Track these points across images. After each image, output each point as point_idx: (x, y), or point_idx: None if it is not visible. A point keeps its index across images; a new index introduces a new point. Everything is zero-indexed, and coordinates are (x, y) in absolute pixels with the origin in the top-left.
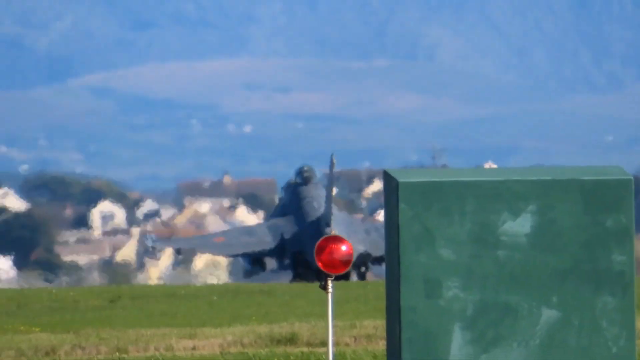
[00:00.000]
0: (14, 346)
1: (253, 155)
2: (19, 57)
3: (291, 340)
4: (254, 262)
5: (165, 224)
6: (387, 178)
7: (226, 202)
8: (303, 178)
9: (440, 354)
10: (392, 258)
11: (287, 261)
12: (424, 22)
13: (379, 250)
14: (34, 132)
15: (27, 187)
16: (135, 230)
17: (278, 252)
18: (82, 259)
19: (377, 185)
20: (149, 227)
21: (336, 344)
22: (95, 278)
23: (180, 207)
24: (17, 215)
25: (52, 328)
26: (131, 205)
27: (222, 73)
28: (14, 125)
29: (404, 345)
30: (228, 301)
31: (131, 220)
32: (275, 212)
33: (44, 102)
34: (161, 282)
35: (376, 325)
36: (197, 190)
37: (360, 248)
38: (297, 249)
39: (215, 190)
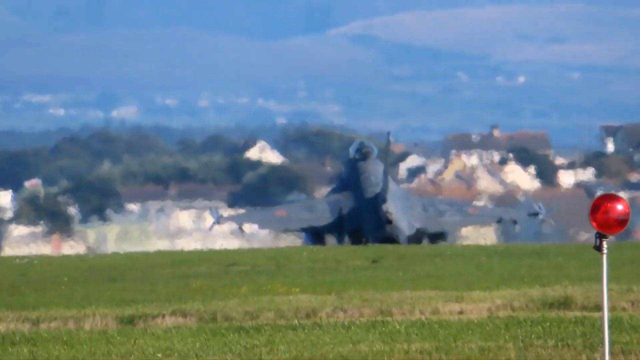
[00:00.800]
0: (273, 307)
1: (525, 108)
2: (278, 7)
3: (564, 304)
4: (314, 238)
5: (431, 181)
6: None
7: (496, 156)
8: (362, 154)
9: None
10: None
11: (345, 238)
12: None
13: (435, 226)
14: (293, 83)
15: (285, 141)
16: None
17: (336, 228)
18: None
19: None
20: (414, 184)
21: (612, 308)
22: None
23: (447, 161)
24: (274, 170)
25: (312, 289)
26: (394, 160)
27: (491, 22)
28: (272, 76)
29: None
30: (497, 262)
31: (393, 177)
32: (336, 187)
33: (303, 52)
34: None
35: None
36: (466, 143)
37: (417, 224)
38: (354, 226)
39: (484, 144)
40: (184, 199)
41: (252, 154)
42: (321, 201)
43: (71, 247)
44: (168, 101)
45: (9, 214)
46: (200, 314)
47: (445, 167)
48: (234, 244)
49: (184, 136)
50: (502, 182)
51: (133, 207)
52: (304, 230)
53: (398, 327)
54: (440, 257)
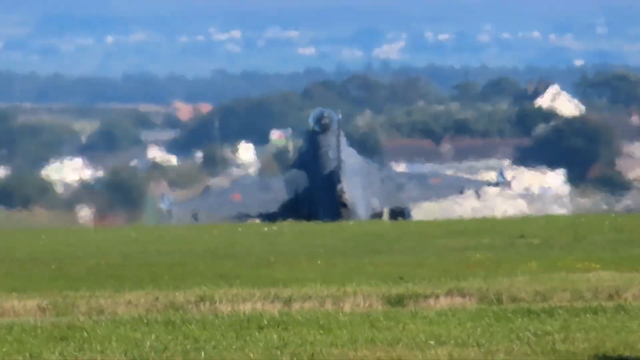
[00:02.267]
0: (568, 287)
1: None
2: None
3: None
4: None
5: None
6: None
7: None
8: (321, 125)
9: None
10: None
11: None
12: None
13: (395, 202)
14: (591, 17)
15: (583, 87)
16: None
17: (291, 211)
18: None
19: None
20: None
21: None
22: None
23: None
24: (570, 122)
25: (615, 265)
26: None
27: None
28: (568, 6)
29: None
30: None
31: None
32: (294, 163)
33: None
34: None
35: None
36: None
37: (375, 204)
38: (309, 209)
39: None
40: (460, 157)
41: (544, 101)
42: (277, 179)
43: None
44: (440, 36)
45: (252, 172)
46: (481, 293)
47: None
48: (519, 207)
49: (461, 79)
50: None
51: (399, 165)
52: (260, 216)
53: None
54: None
